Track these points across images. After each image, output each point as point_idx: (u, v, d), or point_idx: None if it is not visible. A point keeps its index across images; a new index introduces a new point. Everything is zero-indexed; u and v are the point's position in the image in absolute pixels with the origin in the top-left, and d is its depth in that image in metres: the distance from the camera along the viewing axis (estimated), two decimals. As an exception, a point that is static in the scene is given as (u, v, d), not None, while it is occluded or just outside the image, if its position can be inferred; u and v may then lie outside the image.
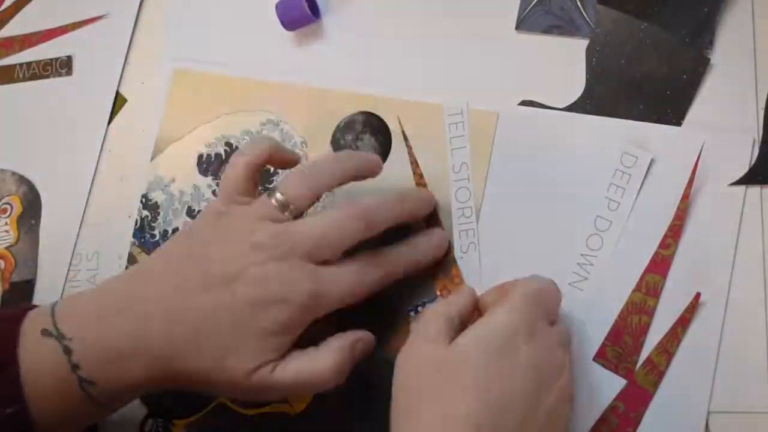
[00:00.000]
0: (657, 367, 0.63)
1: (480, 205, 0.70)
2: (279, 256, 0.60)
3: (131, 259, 0.78)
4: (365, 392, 0.68)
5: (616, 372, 0.64)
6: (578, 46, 0.70)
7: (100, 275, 0.80)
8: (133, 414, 0.75)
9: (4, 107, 0.87)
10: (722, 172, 0.65)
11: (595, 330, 0.65)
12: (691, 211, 0.65)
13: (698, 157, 0.64)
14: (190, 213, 0.78)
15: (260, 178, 0.67)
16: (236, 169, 0.65)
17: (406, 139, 0.73)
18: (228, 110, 0.79)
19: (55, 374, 0.60)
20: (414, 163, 0.72)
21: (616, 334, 0.65)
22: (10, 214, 0.82)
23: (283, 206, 0.63)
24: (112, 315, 0.61)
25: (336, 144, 0.74)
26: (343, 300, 0.62)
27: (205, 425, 0.74)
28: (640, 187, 0.66)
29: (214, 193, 0.77)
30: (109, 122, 0.83)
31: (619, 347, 0.64)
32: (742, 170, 0.65)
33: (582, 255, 0.66)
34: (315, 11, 0.77)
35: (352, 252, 0.63)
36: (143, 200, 0.79)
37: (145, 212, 0.79)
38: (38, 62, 0.86)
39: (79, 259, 0.81)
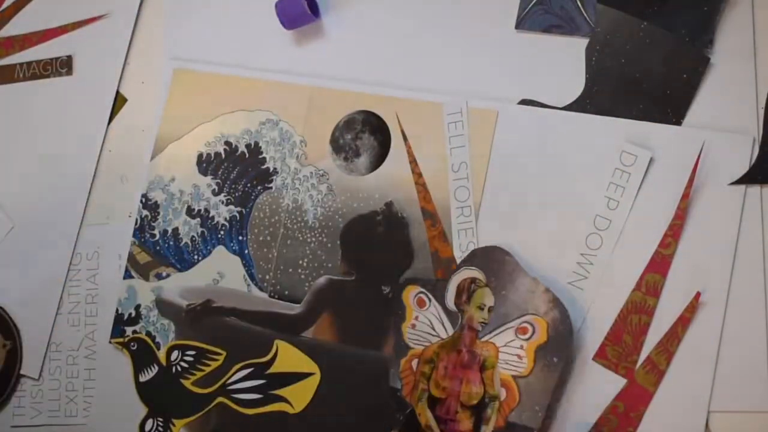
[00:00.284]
0: (657, 367, 0.63)
1: (479, 204, 0.70)
2: None
3: (131, 259, 0.78)
4: (365, 391, 0.68)
5: (616, 371, 0.64)
6: (578, 46, 0.70)
7: (100, 275, 0.80)
8: (133, 414, 0.76)
9: (4, 107, 0.87)
10: (722, 172, 0.65)
11: (594, 329, 0.65)
12: (691, 210, 0.65)
13: (698, 157, 0.64)
14: (190, 212, 0.78)
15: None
16: None
17: (405, 138, 0.72)
18: (227, 109, 0.79)
19: None
20: (413, 162, 0.72)
21: (616, 333, 0.65)
22: (529, 338, 0.67)
23: None
24: None
25: (335, 143, 0.74)
26: None
27: (205, 425, 0.74)
28: (640, 186, 0.66)
29: (213, 192, 0.77)
30: (109, 122, 0.83)
31: (619, 347, 0.64)
32: (742, 169, 0.64)
33: (582, 254, 0.66)
34: (315, 10, 0.77)
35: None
36: (143, 200, 0.79)
37: (145, 212, 0.79)
38: (38, 62, 0.86)
39: (79, 258, 0.81)
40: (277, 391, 0.72)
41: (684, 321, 0.63)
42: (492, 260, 0.68)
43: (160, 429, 0.75)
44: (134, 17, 0.85)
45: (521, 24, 0.71)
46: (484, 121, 0.71)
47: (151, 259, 0.78)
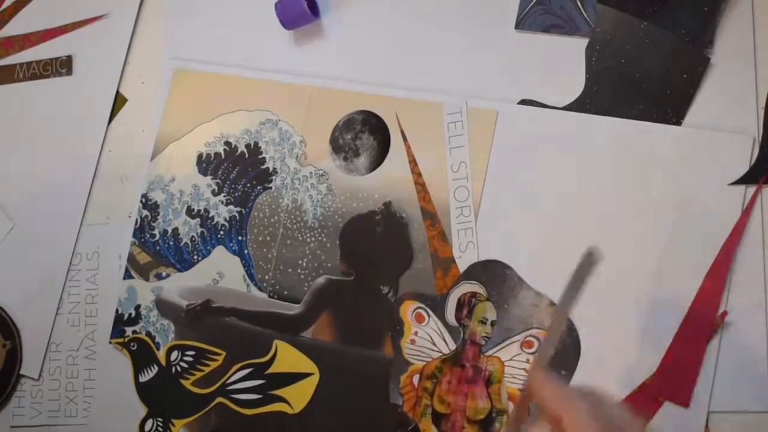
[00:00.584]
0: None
1: (479, 204, 0.70)
2: None
3: (131, 259, 0.78)
4: (364, 391, 0.68)
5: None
6: (578, 46, 0.70)
7: (100, 275, 0.80)
8: (133, 414, 0.76)
9: (4, 107, 0.87)
10: (722, 171, 0.65)
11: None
12: (691, 210, 0.65)
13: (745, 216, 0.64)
14: (190, 212, 0.78)
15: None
16: None
17: (404, 137, 0.72)
18: (227, 109, 0.79)
19: None
20: (412, 162, 0.72)
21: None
22: (536, 351, 0.68)
23: None
24: None
25: (335, 143, 0.74)
26: None
27: (204, 425, 0.74)
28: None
29: (213, 192, 0.77)
30: (109, 122, 0.83)
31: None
32: (742, 169, 0.64)
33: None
34: (314, 10, 0.77)
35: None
36: (143, 200, 0.79)
37: (145, 212, 0.79)
38: (38, 62, 0.86)
39: (79, 258, 0.81)
40: (276, 392, 0.72)
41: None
42: (492, 274, 0.68)
43: (160, 429, 0.75)
44: (134, 17, 0.85)
45: (521, 24, 0.71)
46: (483, 121, 0.70)
47: (151, 260, 0.78)
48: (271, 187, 0.75)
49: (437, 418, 0.68)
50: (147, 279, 0.78)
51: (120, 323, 0.78)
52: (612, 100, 0.68)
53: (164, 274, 0.77)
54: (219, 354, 0.74)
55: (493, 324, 0.68)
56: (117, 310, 0.78)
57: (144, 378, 0.76)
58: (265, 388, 0.72)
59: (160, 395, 0.75)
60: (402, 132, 0.73)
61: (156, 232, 0.78)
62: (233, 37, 0.81)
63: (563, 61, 0.70)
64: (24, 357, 0.81)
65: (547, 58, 0.71)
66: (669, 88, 0.67)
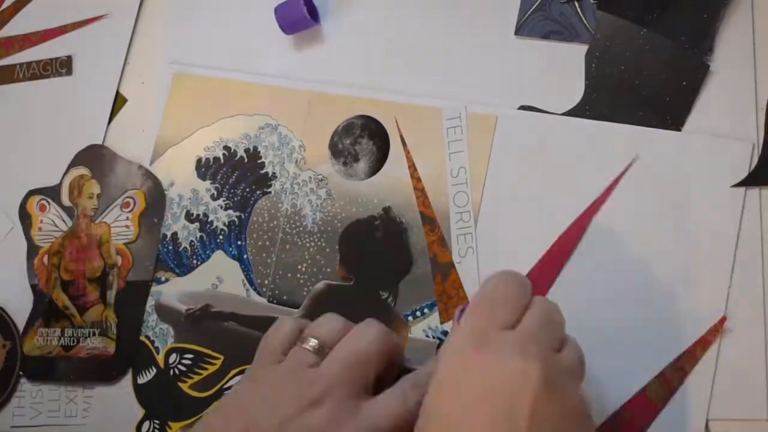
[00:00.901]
0: (670, 383, 0.63)
1: (478, 209, 0.70)
2: (316, 401, 0.57)
3: (129, 261, 0.80)
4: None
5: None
6: (578, 52, 0.70)
7: (99, 276, 0.80)
8: (130, 417, 0.76)
9: (4, 107, 0.87)
10: (722, 177, 0.65)
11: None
12: (691, 214, 0.65)
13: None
14: (189, 217, 0.78)
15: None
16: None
17: (404, 143, 0.72)
18: (227, 114, 0.79)
19: None
20: (412, 167, 0.72)
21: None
22: (132, 209, 0.79)
23: (319, 350, 0.60)
24: None
25: (334, 147, 0.74)
26: (394, 426, 0.57)
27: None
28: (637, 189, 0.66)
29: (212, 196, 0.77)
30: (109, 122, 0.83)
31: None
32: (742, 174, 0.64)
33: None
34: (314, 15, 0.77)
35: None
36: (142, 202, 0.80)
37: (144, 214, 0.80)
38: (38, 62, 0.86)
39: (78, 259, 0.81)
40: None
41: (705, 343, 0.63)
42: (92, 156, 0.82)
43: (157, 431, 0.75)
44: (134, 17, 0.85)
45: (521, 30, 0.71)
46: (483, 126, 0.70)
47: (149, 263, 0.79)
48: (270, 192, 0.75)
49: (65, 286, 0.79)
50: (145, 282, 0.79)
51: (119, 326, 0.79)
52: (611, 106, 0.68)
53: (163, 279, 0.77)
54: (217, 358, 0.74)
55: (99, 197, 0.79)
56: (116, 313, 0.79)
57: (142, 380, 0.76)
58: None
59: (158, 397, 0.75)
60: (401, 137, 0.73)
61: (155, 235, 0.79)
62: (232, 41, 0.81)
63: (563, 68, 0.70)
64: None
65: (547, 64, 0.71)
66: (669, 94, 0.67)
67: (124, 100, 0.83)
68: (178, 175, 0.79)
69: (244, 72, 0.79)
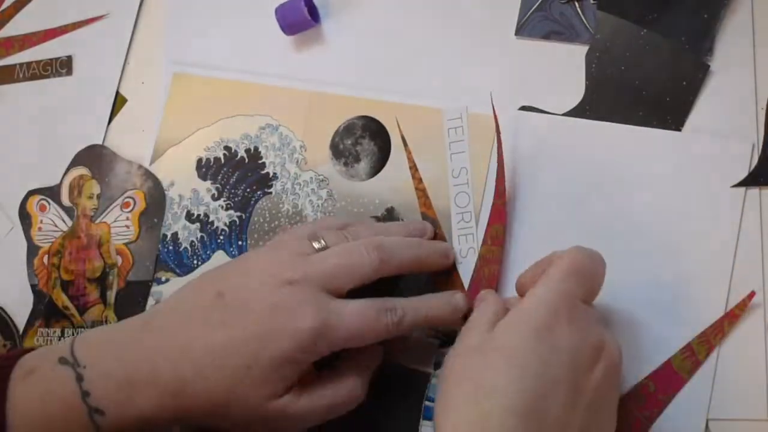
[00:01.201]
0: (695, 355, 0.63)
1: (479, 209, 0.70)
2: (290, 282, 0.60)
3: (130, 261, 0.80)
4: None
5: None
6: (578, 52, 0.70)
7: (100, 276, 0.80)
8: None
9: (4, 107, 0.87)
10: (722, 176, 0.65)
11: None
12: (692, 216, 0.65)
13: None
14: (189, 217, 0.78)
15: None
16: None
17: (405, 143, 0.72)
18: (227, 114, 0.79)
19: (65, 402, 0.59)
20: (413, 168, 0.72)
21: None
22: (132, 209, 0.80)
23: (322, 250, 0.63)
24: (126, 345, 0.61)
25: (335, 148, 0.74)
26: (351, 337, 0.60)
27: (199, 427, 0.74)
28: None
29: (213, 197, 0.77)
30: (109, 122, 0.83)
31: None
32: (742, 174, 0.64)
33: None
34: (315, 16, 0.77)
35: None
36: (142, 203, 0.80)
37: (145, 215, 0.80)
38: (38, 62, 0.86)
39: (79, 259, 0.81)
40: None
41: (732, 317, 0.63)
42: (93, 157, 0.82)
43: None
44: (134, 17, 0.85)
45: (521, 30, 0.71)
46: (484, 127, 0.70)
47: (150, 264, 0.79)
48: (271, 192, 0.76)
49: (65, 286, 0.79)
50: (146, 283, 0.79)
51: (120, 326, 0.79)
52: (612, 106, 0.68)
53: (164, 279, 0.77)
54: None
55: (98, 197, 0.80)
56: (117, 314, 0.79)
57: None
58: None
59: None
60: (402, 137, 0.73)
61: (155, 235, 0.79)
62: (233, 41, 0.81)
63: (563, 68, 0.70)
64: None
65: (547, 64, 0.71)
66: (669, 94, 0.67)
67: (124, 100, 0.83)
68: (179, 175, 0.79)
69: (244, 72, 0.79)
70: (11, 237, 0.83)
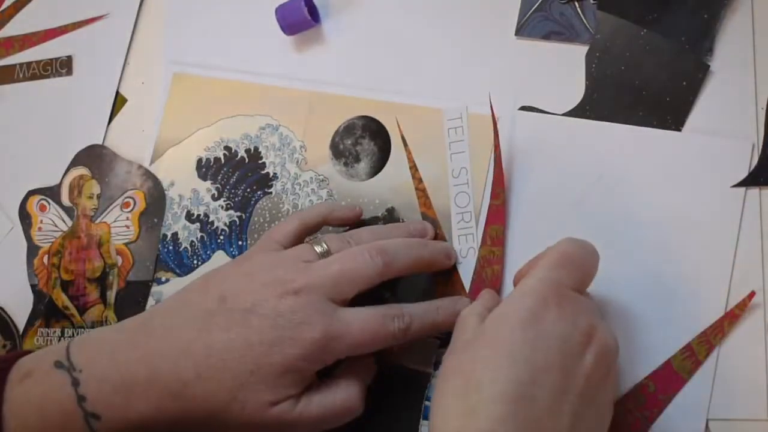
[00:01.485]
0: (695, 355, 0.63)
1: (479, 209, 0.70)
2: (295, 290, 0.60)
3: (130, 261, 0.80)
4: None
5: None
6: (578, 53, 0.70)
7: (100, 277, 0.80)
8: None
9: (4, 107, 0.87)
10: (722, 176, 0.65)
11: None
12: (692, 216, 0.65)
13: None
14: (189, 217, 0.78)
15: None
16: (290, 223, 0.67)
17: (405, 143, 0.72)
18: (227, 114, 0.79)
19: (61, 406, 0.59)
20: (413, 168, 0.72)
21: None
22: (132, 209, 0.80)
23: (323, 256, 0.63)
24: (123, 347, 0.61)
25: (335, 148, 0.74)
26: (357, 345, 0.60)
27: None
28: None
29: (213, 197, 0.77)
30: (109, 122, 0.83)
31: None
32: (742, 174, 0.64)
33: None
34: (315, 16, 0.77)
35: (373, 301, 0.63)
36: (142, 203, 0.80)
37: (145, 215, 0.80)
38: (38, 62, 0.86)
39: (79, 259, 0.81)
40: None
41: (732, 317, 0.63)
42: (92, 157, 0.82)
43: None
44: (134, 17, 0.85)
45: (521, 31, 0.71)
46: (484, 127, 0.70)
47: (150, 264, 0.79)
48: (271, 192, 0.76)
49: (65, 286, 0.79)
50: (146, 283, 0.79)
51: (120, 326, 0.79)
52: (612, 106, 0.68)
53: (164, 279, 0.77)
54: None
55: (98, 197, 0.79)
56: (116, 314, 0.79)
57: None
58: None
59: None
60: (402, 137, 0.73)
61: (155, 235, 0.79)
62: (233, 41, 0.81)
63: (563, 68, 0.70)
64: (24, 358, 0.81)
65: (547, 64, 0.71)
66: (669, 94, 0.67)
67: (124, 100, 0.83)
68: (178, 175, 0.79)
69: (244, 72, 0.79)
70: (11, 237, 0.83)
